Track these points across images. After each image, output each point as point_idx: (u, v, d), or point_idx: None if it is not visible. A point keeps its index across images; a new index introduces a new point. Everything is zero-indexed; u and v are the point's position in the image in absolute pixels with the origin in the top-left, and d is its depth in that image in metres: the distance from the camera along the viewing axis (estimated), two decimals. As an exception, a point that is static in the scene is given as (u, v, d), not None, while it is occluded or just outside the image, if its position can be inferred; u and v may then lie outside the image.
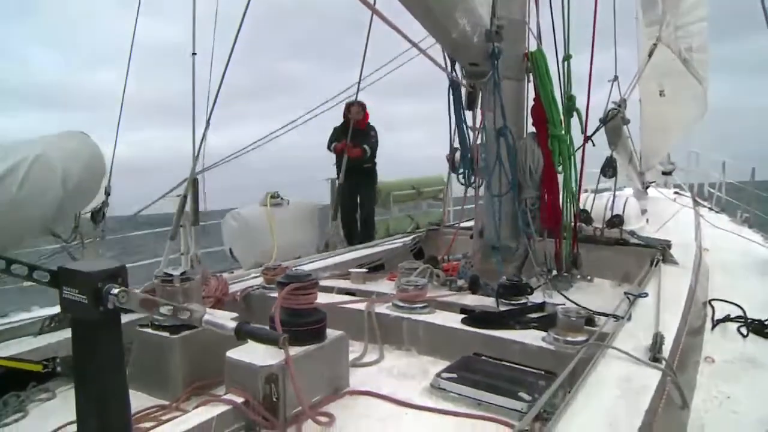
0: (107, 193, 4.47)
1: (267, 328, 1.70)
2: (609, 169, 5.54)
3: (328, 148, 8.45)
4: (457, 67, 4.25)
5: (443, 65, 4.09)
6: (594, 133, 4.79)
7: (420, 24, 3.51)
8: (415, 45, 3.40)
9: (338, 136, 8.32)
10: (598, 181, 5.71)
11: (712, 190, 11.01)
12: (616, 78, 6.32)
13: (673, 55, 6.47)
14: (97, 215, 4.34)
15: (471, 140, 4.35)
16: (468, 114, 4.34)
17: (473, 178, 4.41)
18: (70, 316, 1.32)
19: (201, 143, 4.44)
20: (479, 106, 4.25)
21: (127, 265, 1.36)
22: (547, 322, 2.74)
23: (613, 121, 5.57)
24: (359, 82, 5.45)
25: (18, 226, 3.23)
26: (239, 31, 3.87)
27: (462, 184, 4.47)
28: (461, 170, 4.42)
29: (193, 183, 5.17)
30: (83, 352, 1.29)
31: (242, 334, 1.50)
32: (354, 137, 7.72)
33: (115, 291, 1.25)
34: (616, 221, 5.20)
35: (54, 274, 1.30)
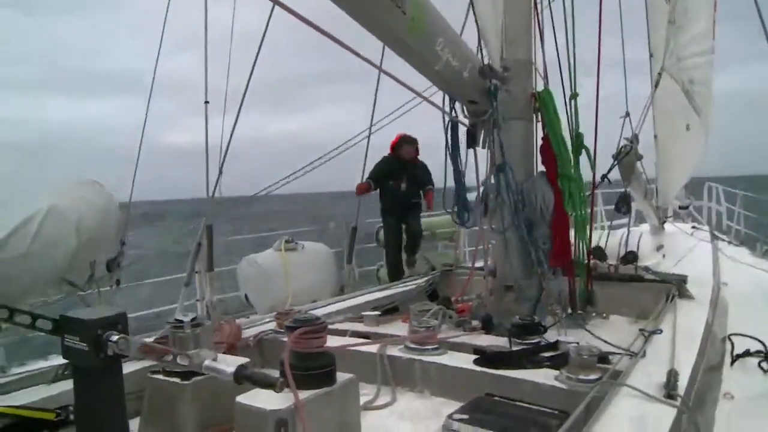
0: (123, 243, 4.51)
1: (267, 372, 1.71)
2: (623, 205, 5.52)
3: (376, 179, 8.13)
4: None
5: (448, 105, 4.12)
6: (609, 171, 4.80)
7: (404, 60, 3.52)
8: (415, 92, 3.44)
9: (390, 170, 8.19)
10: (602, 216, 5.68)
11: (730, 224, 10.90)
12: (627, 114, 6.34)
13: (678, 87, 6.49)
14: (112, 264, 4.38)
15: (473, 178, 4.35)
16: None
17: (467, 216, 4.41)
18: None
19: (215, 187, 4.49)
20: (481, 144, 4.25)
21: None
22: (560, 360, 2.72)
23: (627, 157, 5.58)
24: (370, 127, 5.52)
25: (31, 277, 3.26)
26: (249, 82, 3.95)
27: (456, 223, 4.49)
28: (455, 209, 4.42)
29: (208, 229, 5.23)
30: (85, 399, 1.31)
31: (240, 379, 1.50)
32: (403, 171, 7.95)
33: (115, 338, 1.26)
34: (630, 257, 5.16)
35: (56, 322, 1.32)
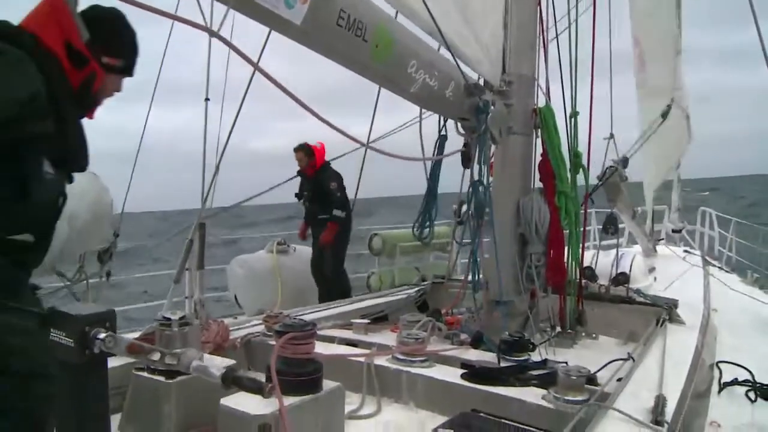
0: (116, 235, 4.48)
1: (255, 377, 1.69)
2: (611, 226, 5.52)
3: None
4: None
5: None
6: (593, 191, 4.80)
7: (371, 81, 3.50)
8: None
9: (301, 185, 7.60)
10: (595, 235, 5.70)
11: (722, 250, 10.93)
12: (611, 136, 6.35)
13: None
14: (104, 255, 4.34)
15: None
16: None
17: (428, 233, 4.51)
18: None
19: (210, 187, 4.45)
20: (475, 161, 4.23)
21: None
22: (548, 379, 2.70)
23: (612, 178, 5.57)
24: (366, 146, 5.40)
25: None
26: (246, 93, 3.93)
27: (420, 241, 4.61)
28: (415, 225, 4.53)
29: (200, 227, 5.18)
30: (67, 395, 1.29)
31: (228, 382, 1.48)
32: (305, 185, 7.38)
33: (102, 335, 1.24)
34: (621, 279, 5.16)
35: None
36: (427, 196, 4.44)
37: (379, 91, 4.46)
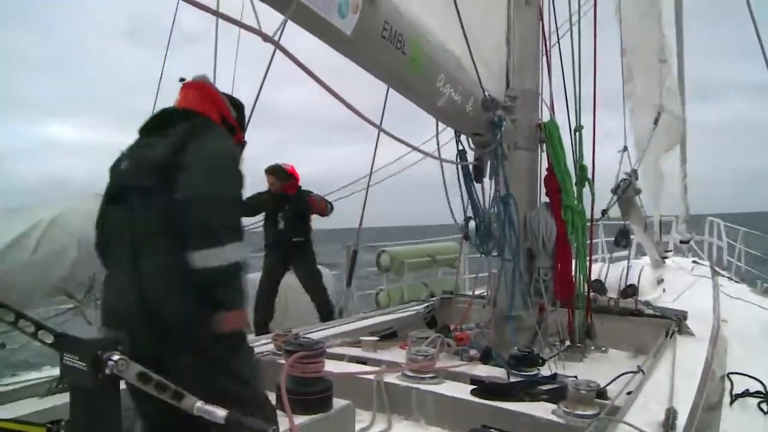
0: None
1: (257, 419, 1.67)
2: (623, 239, 5.50)
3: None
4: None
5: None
6: (610, 206, 4.80)
7: (403, 96, 3.53)
8: (414, 147, 3.50)
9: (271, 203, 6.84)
10: (603, 248, 5.67)
11: (731, 260, 10.86)
12: (625, 148, 6.35)
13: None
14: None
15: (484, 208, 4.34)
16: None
17: (490, 244, 4.36)
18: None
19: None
20: (487, 175, 4.23)
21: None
22: (558, 394, 2.70)
23: (626, 191, 5.57)
24: (370, 175, 5.37)
25: (32, 286, 3.26)
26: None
27: (482, 253, 4.41)
28: (477, 240, 4.34)
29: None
30: (79, 417, 1.30)
31: (232, 425, 1.48)
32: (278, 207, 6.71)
33: (116, 358, 1.26)
34: (629, 291, 5.14)
35: (58, 336, 1.31)
36: (474, 211, 4.30)
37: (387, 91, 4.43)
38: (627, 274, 5.75)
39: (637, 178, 5.46)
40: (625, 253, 8.50)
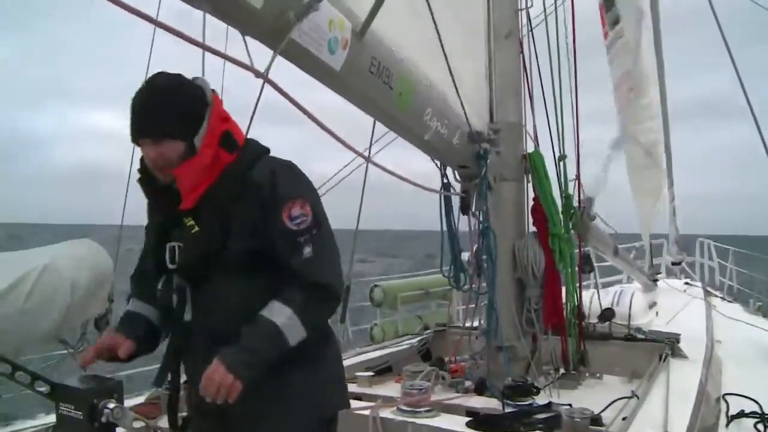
0: (110, 300, 4.47)
1: None
2: (586, 266, 5.48)
3: None
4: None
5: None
6: (567, 233, 4.83)
7: (391, 130, 3.61)
8: (404, 179, 3.54)
9: None
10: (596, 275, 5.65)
11: (723, 279, 10.90)
12: (577, 177, 6.33)
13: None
14: (101, 322, 4.34)
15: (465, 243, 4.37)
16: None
17: (462, 279, 4.40)
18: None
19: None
20: (473, 207, 4.26)
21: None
22: (553, 423, 2.71)
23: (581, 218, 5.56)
24: (358, 221, 5.36)
25: (25, 334, 3.25)
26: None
27: (453, 287, 4.49)
28: (451, 274, 4.41)
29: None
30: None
31: None
32: None
33: (111, 406, 1.28)
34: (607, 314, 5.12)
35: (53, 386, 1.33)
36: (451, 246, 4.39)
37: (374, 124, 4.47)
38: (618, 299, 5.77)
39: (592, 205, 5.43)
40: (616, 277, 8.49)
